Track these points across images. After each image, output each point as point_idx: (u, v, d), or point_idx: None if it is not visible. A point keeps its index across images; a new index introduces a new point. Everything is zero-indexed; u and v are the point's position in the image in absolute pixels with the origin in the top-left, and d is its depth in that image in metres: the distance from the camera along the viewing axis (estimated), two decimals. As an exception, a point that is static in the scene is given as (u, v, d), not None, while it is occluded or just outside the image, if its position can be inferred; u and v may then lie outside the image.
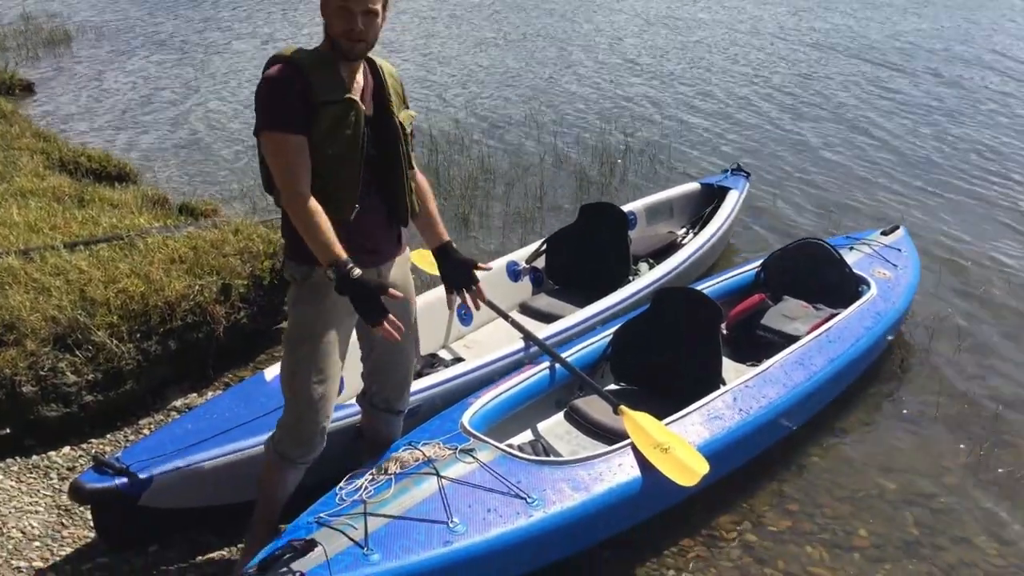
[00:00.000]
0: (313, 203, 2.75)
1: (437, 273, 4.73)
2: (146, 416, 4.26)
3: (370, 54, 2.93)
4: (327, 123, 2.79)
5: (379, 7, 2.80)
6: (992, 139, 9.21)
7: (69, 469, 3.86)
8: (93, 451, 3.95)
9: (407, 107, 3.09)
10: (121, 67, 11.54)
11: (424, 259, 4.85)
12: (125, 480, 3.17)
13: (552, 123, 9.46)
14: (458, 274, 3.33)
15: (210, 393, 4.45)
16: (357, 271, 2.71)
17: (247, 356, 4.78)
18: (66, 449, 3.98)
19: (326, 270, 2.72)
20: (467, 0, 17.03)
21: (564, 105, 10.22)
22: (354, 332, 3.18)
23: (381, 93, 2.97)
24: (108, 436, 4.10)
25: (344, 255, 2.72)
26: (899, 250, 5.37)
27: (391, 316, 2.75)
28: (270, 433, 3.15)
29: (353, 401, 3.58)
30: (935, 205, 7.42)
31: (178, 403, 4.37)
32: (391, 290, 2.79)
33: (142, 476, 3.20)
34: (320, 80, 2.78)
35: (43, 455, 3.92)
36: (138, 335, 4.17)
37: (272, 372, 3.86)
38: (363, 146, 2.87)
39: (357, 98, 2.86)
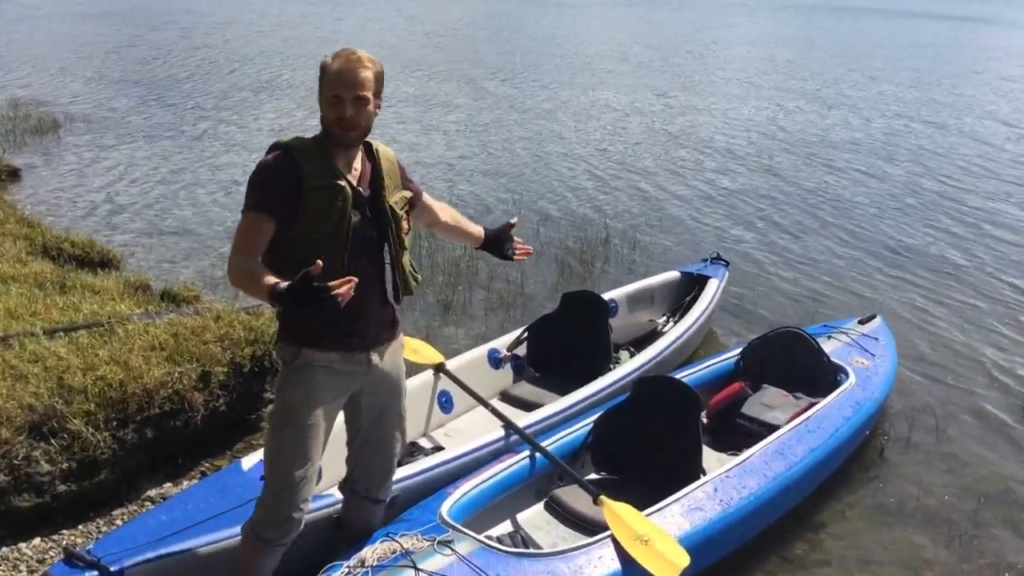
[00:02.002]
0: (248, 260, 2.79)
1: (420, 361, 4.80)
2: (119, 506, 4.18)
3: (370, 138, 3.02)
4: (315, 208, 2.86)
5: (369, 94, 2.88)
6: (967, 230, 9.41)
7: (39, 562, 3.77)
8: (64, 543, 3.87)
9: (407, 186, 3.19)
10: (107, 154, 11.63)
11: (408, 348, 4.86)
12: (96, 573, 3.10)
13: (533, 212, 9.59)
14: (506, 246, 3.78)
15: (185, 482, 4.38)
16: (284, 283, 2.62)
17: (224, 444, 4.72)
18: (36, 540, 3.89)
19: (272, 302, 2.67)
20: (439, 94, 17.40)
21: (544, 194, 10.37)
22: (341, 415, 3.19)
23: (377, 177, 3.05)
24: (80, 527, 4.01)
25: (275, 279, 2.66)
26: (876, 339, 5.43)
27: (333, 283, 2.54)
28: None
29: (330, 491, 3.55)
30: (912, 294, 7.53)
31: (152, 492, 4.30)
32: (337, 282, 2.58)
33: (113, 569, 3.12)
34: (312, 167, 2.86)
35: (12, 547, 3.83)
36: (115, 423, 4.12)
37: (249, 461, 3.82)
38: (348, 232, 2.92)
39: (353, 184, 2.94)
